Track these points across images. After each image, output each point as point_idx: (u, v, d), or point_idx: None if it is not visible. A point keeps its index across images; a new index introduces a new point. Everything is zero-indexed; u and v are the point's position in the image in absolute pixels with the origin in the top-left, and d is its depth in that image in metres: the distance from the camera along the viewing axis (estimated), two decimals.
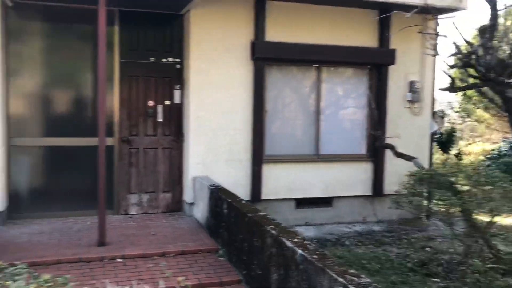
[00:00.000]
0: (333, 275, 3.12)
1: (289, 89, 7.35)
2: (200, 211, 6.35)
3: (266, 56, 6.91)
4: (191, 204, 6.74)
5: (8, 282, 1.99)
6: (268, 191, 7.01)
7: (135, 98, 6.76)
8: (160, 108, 6.86)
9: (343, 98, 7.65)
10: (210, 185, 6.05)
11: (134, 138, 6.78)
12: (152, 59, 6.81)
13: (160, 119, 6.86)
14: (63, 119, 6.66)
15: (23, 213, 6.41)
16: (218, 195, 5.63)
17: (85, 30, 6.65)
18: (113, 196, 6.68)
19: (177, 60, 6.92)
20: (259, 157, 6.93)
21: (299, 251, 3.60)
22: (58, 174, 6.62)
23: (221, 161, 6.83)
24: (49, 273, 4.67)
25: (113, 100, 6.64)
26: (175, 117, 6.95)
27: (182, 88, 6.92)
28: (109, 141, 6.46)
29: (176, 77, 6.91)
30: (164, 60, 6.87)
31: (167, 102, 6.90)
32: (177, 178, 7.00)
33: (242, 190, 6.56)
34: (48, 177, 6.62)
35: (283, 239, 3.87)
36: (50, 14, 6.47)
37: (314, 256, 3.47)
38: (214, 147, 6.80)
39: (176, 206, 7.00)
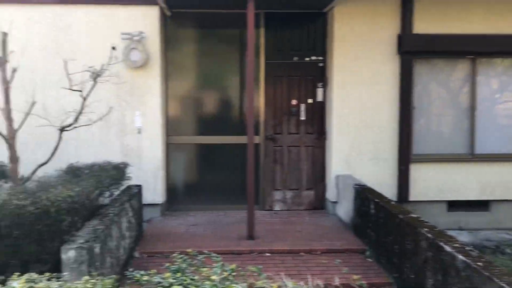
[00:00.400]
0: (504, 285, 2.84)
1: (438, 84, 6.89)
2: (344, 210, 6.27)
3: (414, 50, 6.57)
4: (334, 202, 6.69)
5: (205, 269, 2.13)
6: (416, 192, 6.66)
7: (279, 97, 6.93)
8: (303, 107, 6.93)
9: (501, 91, 6.95)
10: (355, 184, 5.94)
11: (278, 136, 6.95)
12: (295, 58, 6.91)
13: (303, 118, 6.94)
14: (213, 119, 7.09)
15: (179, 206, 6.97)
16: (364, 195, 5.50)
17: (232, 34, 7.02)
18: (259, 192, 6.93)
19: (320, 58, 6.93)
20: (406, 156, 6.62)
21: (460, 257, 3.36)
22: (209, 170, 7.08)
23: (365, 160, 6.67)
24: (207, 262, 5.06)
25: (259, 100, 6.89)
26: (318, 115, 6.96)
27: (324, 86, 6.91)
28: (256, 139, 6.68)
29: (319, 75, 6.92)
30: (307, 59, 6.93)
31: (310, 101, 6.94)
32: (320, 176, 7.00)
33: (387, 190, 6.30)
34: (200, 172, 7.12)
35: (440, 243, 3.64)
36: (201, 20, 6.96)
37: (479, 263, 3.21)
38: (357, 145, 6.67)
39: (319, 204, 7.01)
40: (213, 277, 1.95)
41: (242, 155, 6.75)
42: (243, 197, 6.38)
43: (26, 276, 1.81)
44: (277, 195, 7.00)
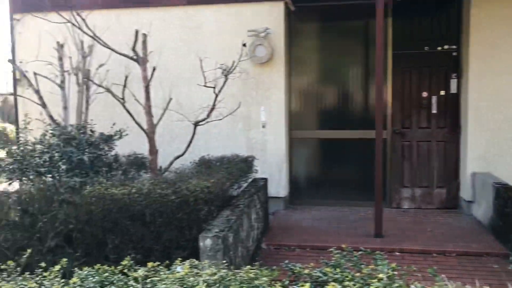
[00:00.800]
0: None
1: None
2: (482, 211, 5.79)
3: None
4: (470, 202, 6.21)
5: (363, 266, 2.03)
6: None
7: (407, 90, 6.61)
8: (434, 99, 6.52)
9: None
10: (495, 182, 5.45)
11: (406, 131, 6.63)
12: (426, 48, 6.52)
13: (434, 111, 6.53)
14: (335, 113, 6.96)
15: (301, 200, 6.97)
16: (508, 195, 5.02)
17: (355, 26, 6.84)
18: (386, 189, 6.66)
19: (454, 47, 6.45)
20: None
21: None
22: (331, 164, 6.99)
23: (506, 156, 6.09)
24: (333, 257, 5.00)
25: (386, 93, 6.61)
26: (451, 108, 6.50)
27: (459, 77, 6.43)
28: (383, 133, 6.44)
29: (452, 65, 6.46)
30: (439, 48, 6.49)
31: (442, 93, 6.51)
32: (453, 173, 6.54)
33: None
34: (322, 167, 7.06)
35: None
36: (324, 14, 6.87)
37: None
38: (497, 141, 6.11)
39: (451, 203, 6.55)
40: (381, 276, 1.85)
41: (366, 150, 6.57)
42: (367, 194, 6.22)
43: (188, 261, 1.90)
44: (405, 192, 6.68)
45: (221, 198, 4.56)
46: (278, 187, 6.65)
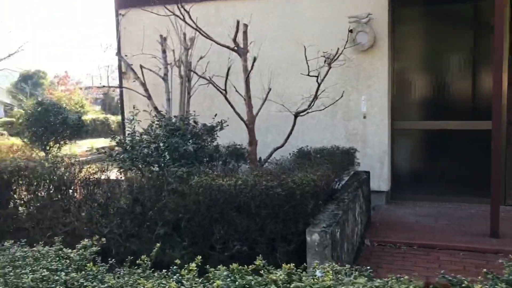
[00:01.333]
0: None
1: None
2: None
3: None
4: None
5: None
6: None
7: None
8: None
9: None
10: None
11: None
12: None
13: None
14: (440, 103, 6.51)
15: (403, 194, 6.62)
16: None
17: (461, 9, 6.37)
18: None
19: None
20: None
21: None
22: (436, 157, 6.57)
23: None
24: (443, 257, 4.67)
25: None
26: None
27: None
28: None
29: None
30: None
31: None
32: None
33: None
34: (426, 160, 6.66)
35: None
36: None
37: None
38: None
39: None
40: None
41: (475, 142, 6.11)
42: (476, 189, 5.81)
43: (328, 265, 1.77)
44: None
45: (326, 192, 4.41)
46: (380, 180, 6.37)
